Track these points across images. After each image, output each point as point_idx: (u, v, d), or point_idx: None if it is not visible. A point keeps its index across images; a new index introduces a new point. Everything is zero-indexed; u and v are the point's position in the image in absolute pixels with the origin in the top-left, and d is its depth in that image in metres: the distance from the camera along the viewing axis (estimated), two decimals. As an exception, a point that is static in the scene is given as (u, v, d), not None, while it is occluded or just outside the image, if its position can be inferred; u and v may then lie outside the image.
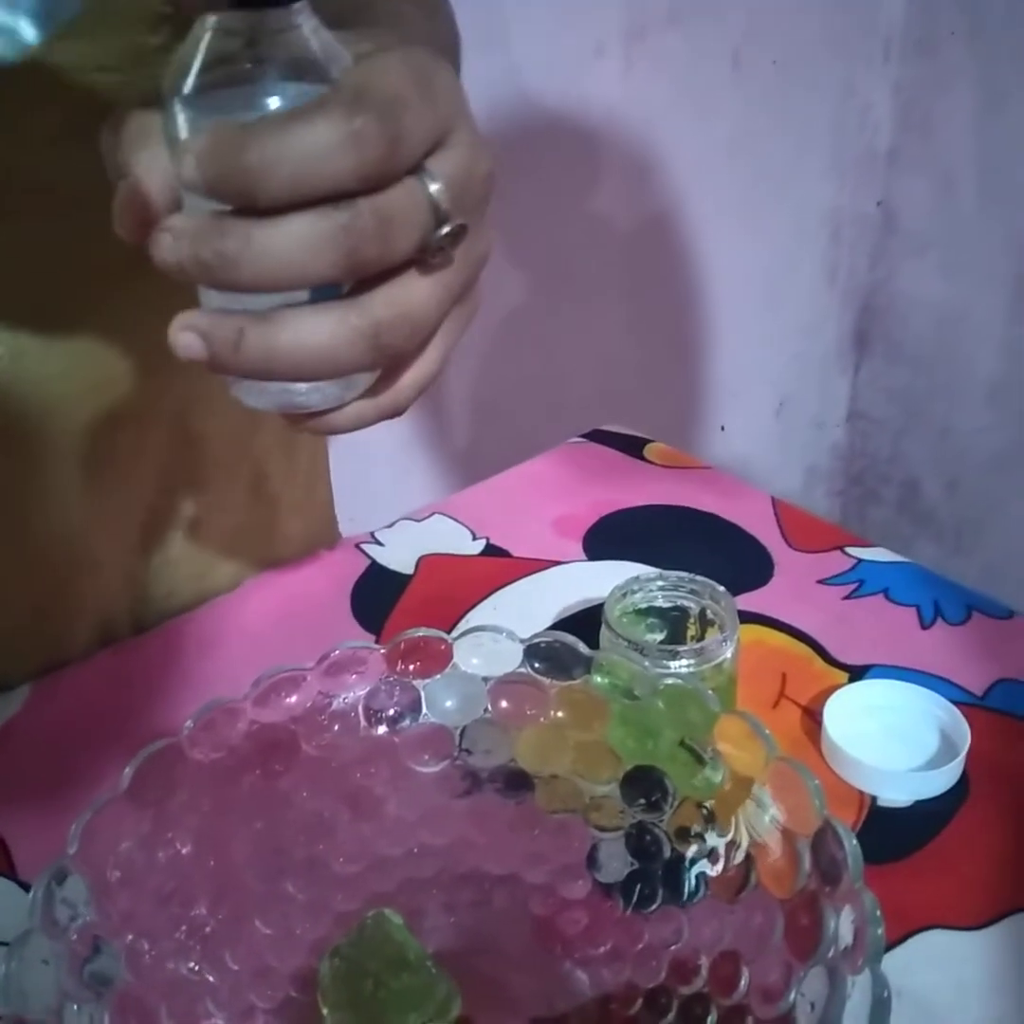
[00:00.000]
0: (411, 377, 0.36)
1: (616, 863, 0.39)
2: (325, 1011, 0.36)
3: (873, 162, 1.50)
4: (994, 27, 1.34)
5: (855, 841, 0.32)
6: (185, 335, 0.32)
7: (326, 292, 0.32)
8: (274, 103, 0.31)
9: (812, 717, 0.50)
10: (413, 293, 0.33)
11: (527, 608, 0.59)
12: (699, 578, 0.48)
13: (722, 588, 0.47)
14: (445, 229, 0.32)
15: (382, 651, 0.42)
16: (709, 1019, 0.34)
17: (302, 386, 0.35)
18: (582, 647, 0.42)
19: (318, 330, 0.32)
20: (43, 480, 0.50)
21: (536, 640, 0.42)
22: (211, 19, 0.31)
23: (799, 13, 1.32)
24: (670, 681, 0.40)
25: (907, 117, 1.47)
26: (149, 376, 0.51)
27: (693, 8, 1.22)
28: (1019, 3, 1.31)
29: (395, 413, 0.37)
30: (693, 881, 0.37)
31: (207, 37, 0.31)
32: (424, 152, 0.32)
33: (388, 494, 1.20)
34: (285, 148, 0.29)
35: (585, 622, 0.55)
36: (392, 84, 0.31)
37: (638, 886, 0.38)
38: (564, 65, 1.15)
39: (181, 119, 0.31)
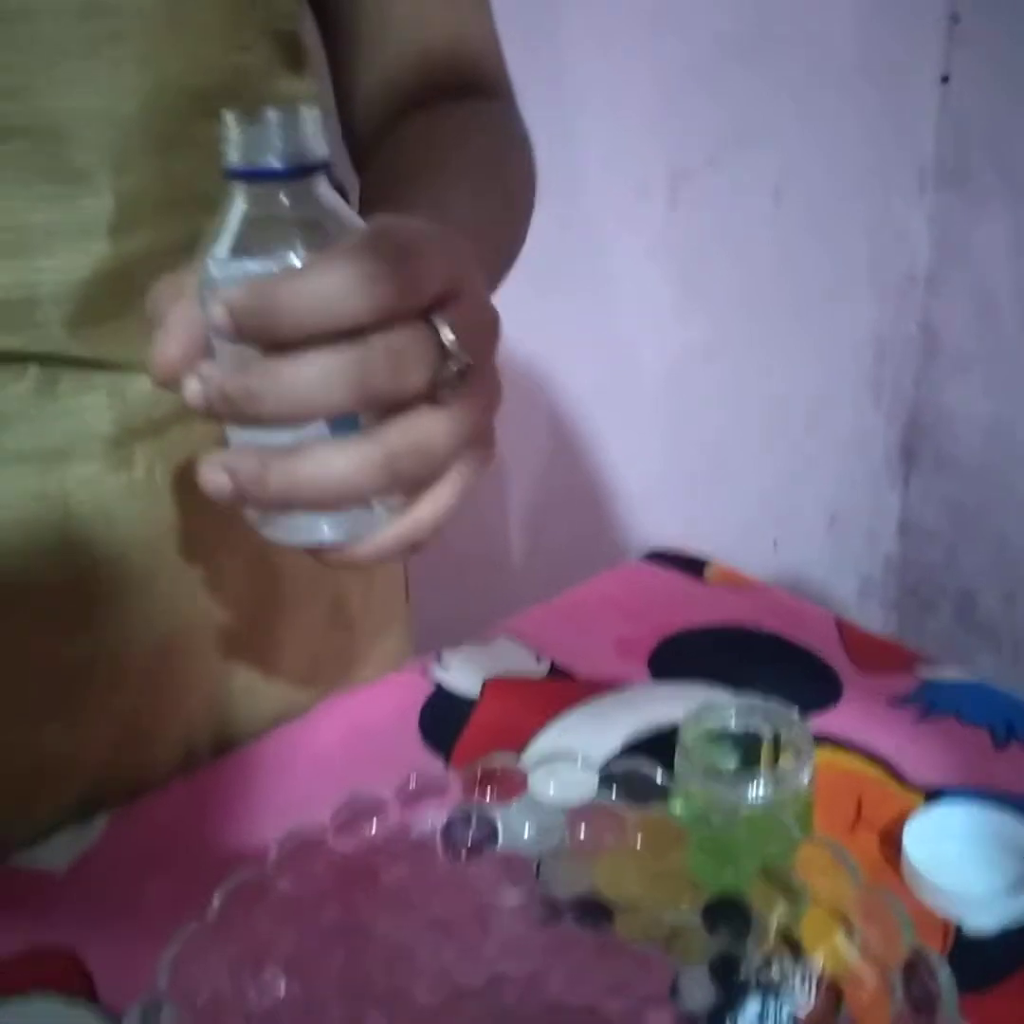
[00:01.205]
0: (428, 513, 0.38)
1: (700, 994, 0.39)
2: None
3: (912, 287, 1.53)
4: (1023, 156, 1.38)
5: (948, 970, 0.32)
6: (212, 473, 0.35)
7: (345, 427, 0.35)
8: (296, 264, 0.35)
9: (890, 841, 0.49)
10: (426, 426, 0.35)
11: (595, 731, 0.59)
12: (772, 703, 0.48)
13: (795, 713, 0.47)
14: (454, 367, 0.35)
15: (459, 779, 0.43)
16: None
17: (325, 522, 0.37)
18: (658, 775, 0.42)
19: (337, 461, 0.34)
20: (136, 603, 0.52)
21: (612, 768, 0.42)
22: (241, 188, 0.35)
23: (835, 148, 1.37)
24: (749, 809, 0.40)
25: (943, 244, 1.50)
26: (224, 510, 0.53)
27: (733, 149, 1.27)
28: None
29: (414, 547, 0.39)
30: (781, 1013, 0.37)
31: (236, 205, 0.35)
32: (434, 300, 0.35)
33: (449, 609, 1.22)
34: (307, 288, 0.33)
35: (655, 746, 0.55)
36: (407, 236, 0.35)
37: (727, 1019, 0.38)
38: (611, 204, 1.20)
39: (213, 277, 0.35)
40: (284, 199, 0.35)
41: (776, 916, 0.38)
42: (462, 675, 0.64)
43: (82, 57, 0.42)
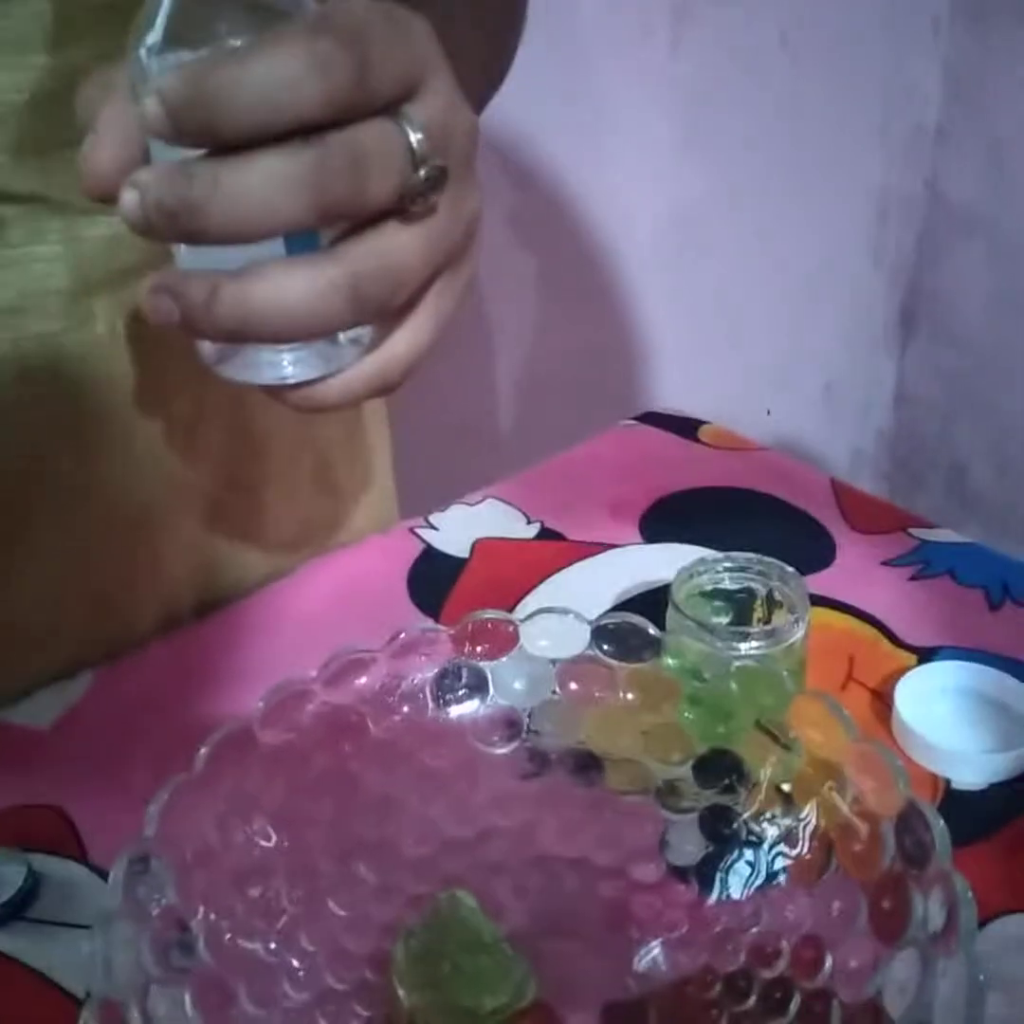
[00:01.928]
0: (402, 347, 0.34)
1: (690, 846, 0.39)
2: (401, 992, 0.36)
3: (921, 140, 1.48)
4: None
5: (942, 822, 0.32)
6: (156, 297, 0.30)
7: (304, 246, 0.31)
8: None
9: (881, 699, 0.49)
10: (395, 243, 0.31)
11: (585, 591, 0.58)
12: (767, 559, 0.47)
13: (791, 569, 0.47)
14: (424, 172, 0.31)
15: (450, 633, 0.42)
16: (791, 1003, 0.34)
17: (287, 358, 0.33)
18: (651, 628, 0.41)
19: (294, 283, 0.30)
20: (110, 471, 0.50)
21: (603, 621, 0.42)
22: None
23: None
24: (742, 662, 0.39)
25: (956, 93, 1.44)
26: (199, 380, 0.51)
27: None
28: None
29: (385, 387, 0.34)
30: (771, 865, 0.37)
31: None
32: (397, 90, 0.30)
33: (435, 477, 1.21)
34: (247, 76, 0.27)
35: (646, 605, 0.54)
36: (357, 15, 0.30)
37: (717, 871, 0.38)
38: (610, 43, 1.14)
39: (146, 71, 0.30)
40: None
41: (768, 769, 0.37)
42: (451, 536, 0.64)
43: None
